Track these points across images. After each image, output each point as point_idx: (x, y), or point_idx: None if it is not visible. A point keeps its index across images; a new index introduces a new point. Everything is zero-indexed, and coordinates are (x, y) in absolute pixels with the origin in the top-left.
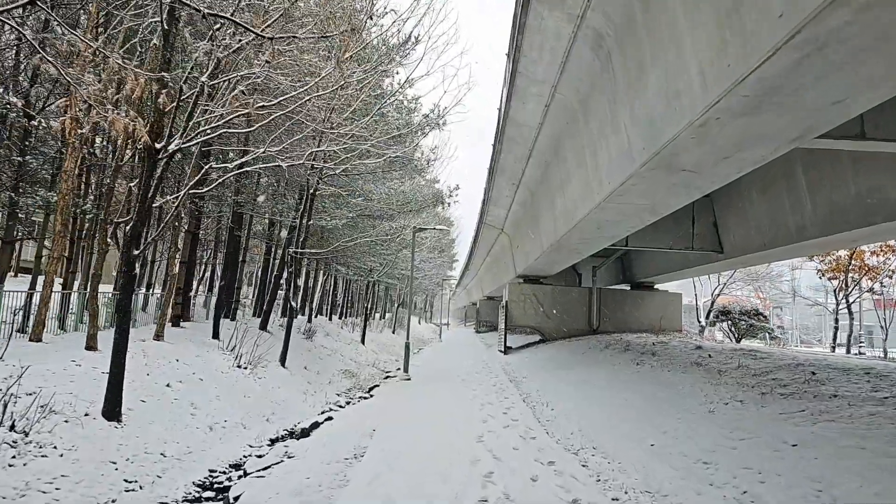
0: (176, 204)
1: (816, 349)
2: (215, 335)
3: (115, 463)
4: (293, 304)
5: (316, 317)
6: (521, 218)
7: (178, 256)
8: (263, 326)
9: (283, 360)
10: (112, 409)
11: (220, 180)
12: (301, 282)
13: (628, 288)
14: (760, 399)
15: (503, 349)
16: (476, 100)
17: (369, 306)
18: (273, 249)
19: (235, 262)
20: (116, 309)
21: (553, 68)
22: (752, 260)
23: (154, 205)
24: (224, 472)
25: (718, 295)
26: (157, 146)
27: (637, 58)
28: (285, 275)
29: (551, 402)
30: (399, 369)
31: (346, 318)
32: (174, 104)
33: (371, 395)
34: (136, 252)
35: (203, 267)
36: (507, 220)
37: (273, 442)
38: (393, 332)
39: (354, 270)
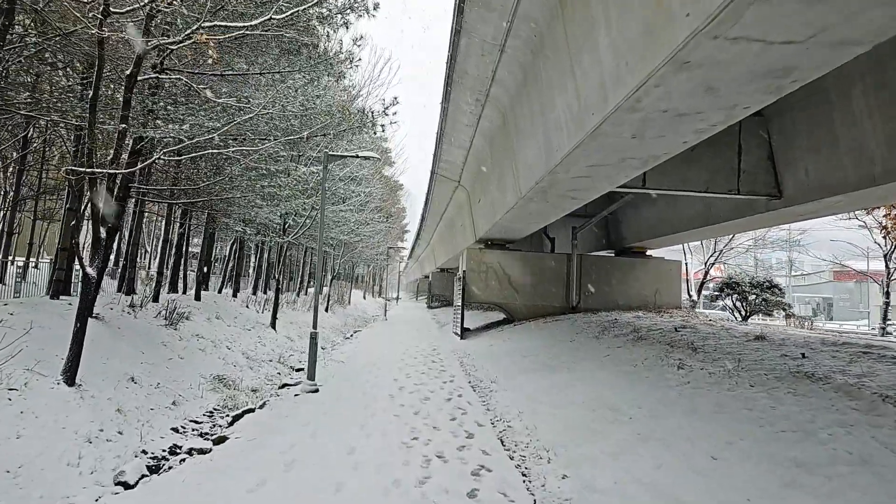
0: None
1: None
2: None
3: None
4: (89, 270)
5: (220, 292)
6: (486, 158)
7: None
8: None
9: (69, 371)
10: None
11: None
12: (104, 229)
13: (613, 255)
14: None
15: (459, 332)
16: None
17: (282, 277)
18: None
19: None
20: None
21: None
22: (837, 206)
23: None
24: None
25: (713, 264)
26: None
27: None
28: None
29: (556, 448)
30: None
31: (263, 293)
32: None
33: (225, 438)
34: None
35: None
36: (465, 165)
37: None
38: (326, 311)
39: (251, 226)
